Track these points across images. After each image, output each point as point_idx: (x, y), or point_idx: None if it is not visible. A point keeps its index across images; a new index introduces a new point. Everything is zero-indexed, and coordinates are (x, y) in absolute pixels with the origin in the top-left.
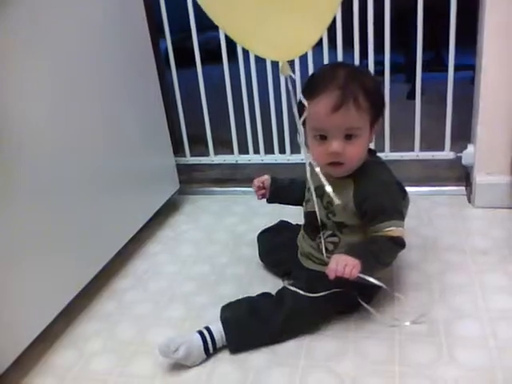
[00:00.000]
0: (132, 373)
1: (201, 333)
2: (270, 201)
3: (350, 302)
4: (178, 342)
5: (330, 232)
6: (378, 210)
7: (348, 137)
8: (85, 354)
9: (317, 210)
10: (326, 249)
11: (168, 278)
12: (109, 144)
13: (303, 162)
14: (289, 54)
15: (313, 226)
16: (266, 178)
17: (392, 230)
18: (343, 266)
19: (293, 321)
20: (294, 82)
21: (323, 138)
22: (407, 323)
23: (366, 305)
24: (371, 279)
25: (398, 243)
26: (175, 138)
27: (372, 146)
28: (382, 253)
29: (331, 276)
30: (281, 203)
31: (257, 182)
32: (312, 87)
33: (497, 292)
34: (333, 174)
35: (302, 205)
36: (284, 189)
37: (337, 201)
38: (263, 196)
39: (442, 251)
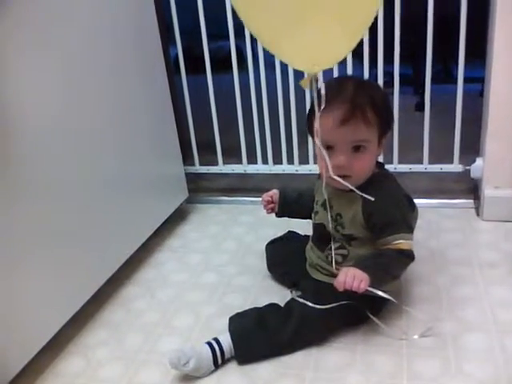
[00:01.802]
0: (140, 381)
1: (210, 344)
2: (278, 215)
3: (358, 314)
4: (189, 355)
5: (338, 244)
6: (387, 223)
7: (356, 149)
8: (93, 362)
9: (329, 221)
10: (335, 261)
11: (176, 287)
12: (118, 152)
13: (311, 172)
14: (318, 65)
15: (321, 237)
16: (275, 192)
17: (401, 242)
18: (352, 279)
19: (301, 333)
20: (319, 94)
21: (330, 148)
22: (415, 336)
23: (374, 318)
24: (380, 292)
25: (408, 256)
26: (184, 147)
27: (380, 158)
28: (391, 266)
29: (340, 289)
30: (290, 217)
31: (265, 196)
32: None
33: (505, 305)
34: (340, 186)
35: (311, 218)
36: (292, 204)
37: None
38: (272, 210)
39: (450, 264)
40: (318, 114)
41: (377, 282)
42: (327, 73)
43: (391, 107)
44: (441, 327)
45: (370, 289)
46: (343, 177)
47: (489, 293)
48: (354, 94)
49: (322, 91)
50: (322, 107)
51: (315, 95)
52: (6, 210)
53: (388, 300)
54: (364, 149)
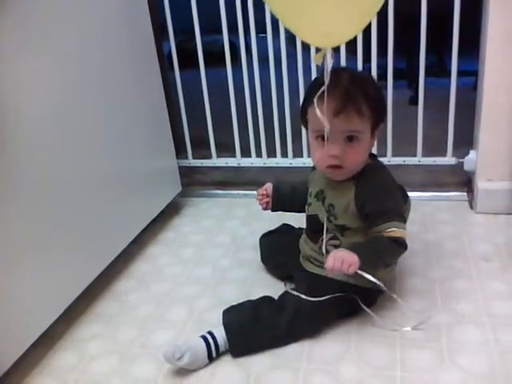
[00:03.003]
0: (133, 375)
1: (204, 338)
2: (273, 210)
3: (351, 306)
4: (183, 349)
5: (331, 235)
6: (380, 212)
7: (349, 139)
8: (86, 356)
9: (321, 211)
10: (328, 251)
11: (170, 280)
12: (112, 146)
13: (305, 166)
14: (332, 40)
15: (314, 229)
16: (269, 185)
17: (394, 230)
18: (340, 263)
19: (295, 326)
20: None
21: (324, 138)
22: (408, 328)
23: (367, 309)
24: (369, 276)
25: (400, 244)
26: (178, 141)
27: (374, 150)
28: (383, 252)
29: (329, 274)
30: (284, 211)
31: (260, 191)
32: (314, 91)
33: (499, 297)
34: (332, 177)
35: (305, 211)
36: (286, 198)
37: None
38: (267, 204)
39: (443, 257)
40: (326, 88)
41: (368, 267)
42: (321, 67)
43: (384, 99)
44: (435, 319)
45: (360, 272)
46: (336, 167)
47: (483, 285)
48: (347, 86)
49: (329, 68)
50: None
51: (325, 72)
52: (0, 205)
53: (382, 292)
54: (357, 139)
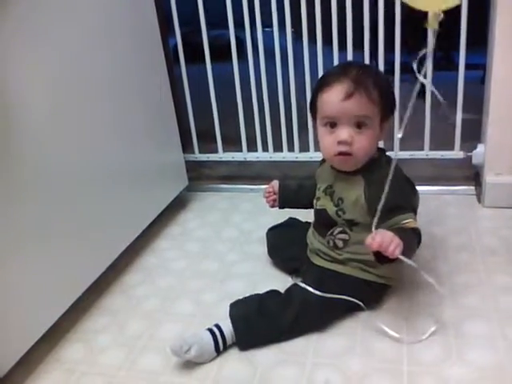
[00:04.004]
0: (141, 368)
1: (211, 331)
2: (281, 207)
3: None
4: (190, 342)
5: (340, 229)
6: (393, 207)
7: (358, 126)
8: (94, 349)
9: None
10: (336, 246)
11: (177, 274)
12: (118, 140)
13: (312, 160)
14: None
15: (323, 223)
16: (275, 182)
17: (411, 221)
18: (389, 242)
19: (301, 319)
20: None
21: (333, 125)
22: (422, 338)
23: (363, 305)
24: (410, 262)
25: (419, 234)
26: (184, 135)
27: (381, 144)
28: (412, 241)
29: (373, 248)
30: (292, 208)
31: (267, 188)
32: (325, 81)
33: (506, 292)
34: (341, 167)
35: (312, 207)
36: (293, 195)
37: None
38: (274, 202)
39: (451, 251)
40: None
41: (405, 254)
42: (328, 62)
43: (393, 91)
44: (442, 314)
45: (402, 257)
46: (344, 155)
47: (490, 280)
48: (357, 74)
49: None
50: None
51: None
52: (6, 197)
53: (387, 288)
54: (366, 126)
